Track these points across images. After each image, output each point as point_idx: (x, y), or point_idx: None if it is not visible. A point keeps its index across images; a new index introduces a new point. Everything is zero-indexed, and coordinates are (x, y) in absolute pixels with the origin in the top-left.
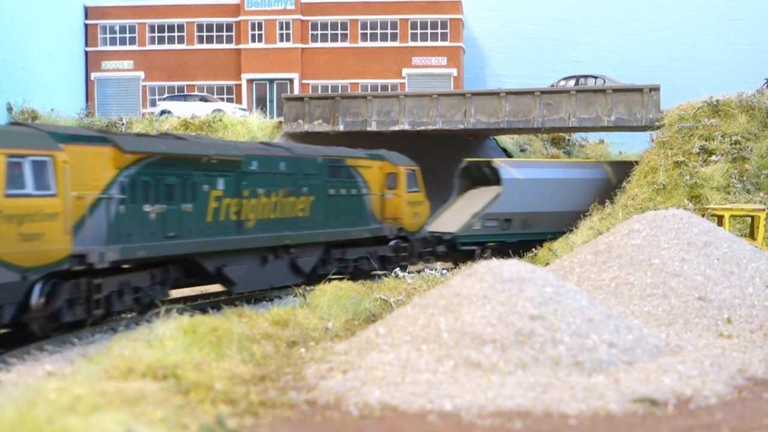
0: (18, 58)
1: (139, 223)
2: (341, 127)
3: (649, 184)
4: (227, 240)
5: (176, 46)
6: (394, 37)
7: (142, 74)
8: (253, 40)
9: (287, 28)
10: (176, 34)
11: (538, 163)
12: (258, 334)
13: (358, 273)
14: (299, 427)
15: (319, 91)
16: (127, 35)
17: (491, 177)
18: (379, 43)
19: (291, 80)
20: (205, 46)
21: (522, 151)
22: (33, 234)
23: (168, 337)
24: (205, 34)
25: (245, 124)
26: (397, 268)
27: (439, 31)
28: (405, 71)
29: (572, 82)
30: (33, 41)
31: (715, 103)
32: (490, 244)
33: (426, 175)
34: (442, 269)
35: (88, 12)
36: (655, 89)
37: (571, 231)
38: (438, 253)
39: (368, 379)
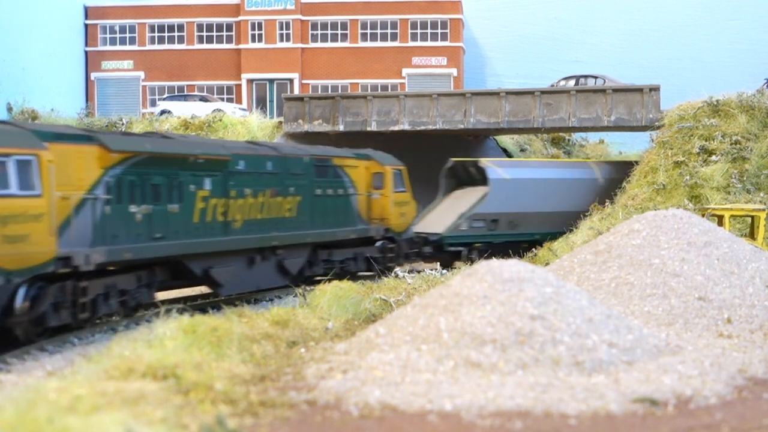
0: (18, 58)
1: (125, 224)
2: (341, 127)
3: (649, 184)
4: (214, 241)
5: (176, 46)
6: (394, 37)
7: (142, 74)
8: (253, 40)
9: (287, 28)
10: (176, 34)
11: (525, 162)
12: (258, 334)
13: (344, 274)
14: (299, 427)
15: (319, 91)
16: (127, 35)
17: (478, 177)
18: (379, 43)
19: (291, 80)
20: (205, 46)
21: (522, 151)
22: (17, 236)
23: (168, 337)
24: (205, 34)
25: (245, 124)
26: (397, 269)
27: (439, 31)
28: (405, 71)
29: (572, 82)
30: (33, 41)
31: (715, 103)
32: (477, 244)
33: (426, 175)
34: (430, 270)
35: (88, 12)
36: (655, 89)
37: (561, 231)
38: (424, 254)
39: (368, 379)
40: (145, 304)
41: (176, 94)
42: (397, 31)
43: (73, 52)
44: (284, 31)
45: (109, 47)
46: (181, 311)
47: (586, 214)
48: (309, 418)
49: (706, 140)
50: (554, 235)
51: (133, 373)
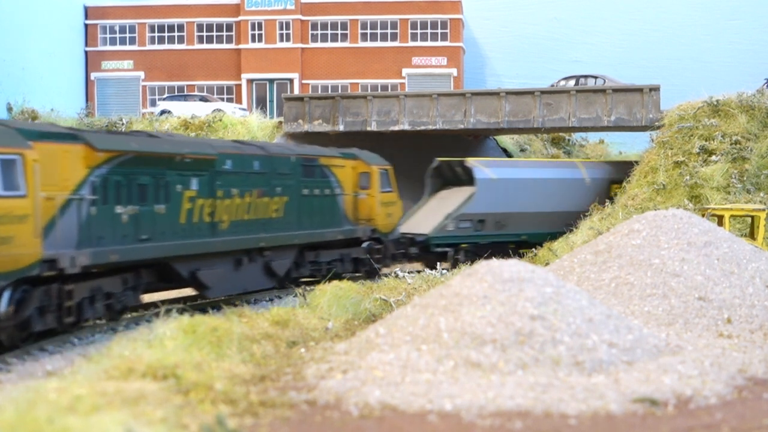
0: (18, 58)
1: (110, 226)
2: (341, 127)
3: (649, 184)
4: (201, 243)
5: (176, 46)
6: (394, 37)
7: (142, 74)
8: (253, 40)
9: (287, 28)
10: (176, 34)
11: (512, 162)
12: (258, 334)
13: (331, 276)
14: (299, 427)
15: (319, 91)
16: (127, 35)
17: (464, 177)
18: (379, 43)
19: (291, 80)
20: (205, 46)
21: (522, 151)
22: (1, 237)
23: (168, 337)
24: (205, 34)
25: (245, 124)
26: (397, 269)
27: (439, 31)
28: (405, 71)
29: (572, 82)
30: (33, 41)
31: (715, 103)
32: (463, 245)
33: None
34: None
35: (88, 12)
36: (655, 89)
37: (548, 232)
38: (410, 255)
39: (368, 379)
40: (131, 307)
41: (176, 94)
42: (397, 31)
43: (73, 52)
44: (284, 31)
45: (109, 47)
46: (181, 311)
47: (578, 214)
48: (309, 418)
49: (706, 140)
50: (541, 236)
51: (133, 373)
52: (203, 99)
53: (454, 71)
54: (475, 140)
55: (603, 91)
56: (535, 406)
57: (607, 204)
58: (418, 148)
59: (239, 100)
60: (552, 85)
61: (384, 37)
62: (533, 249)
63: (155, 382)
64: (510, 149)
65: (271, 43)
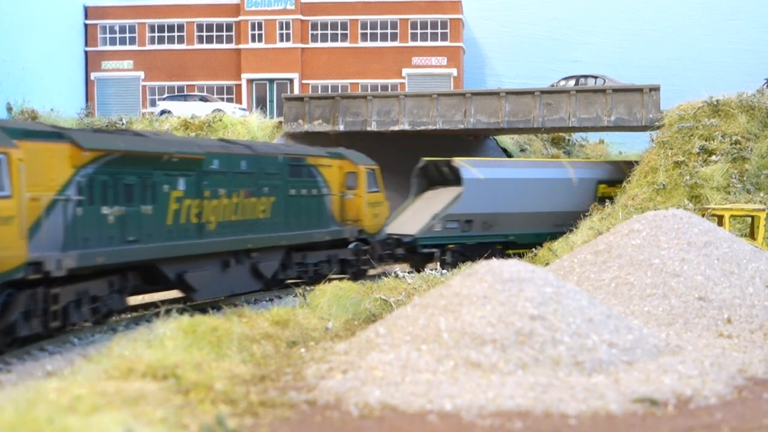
0: (18, 58)
1: (97, 227)
2: (341, 127)
3: (649, 184)
4: (188, 244)
5: (176, 46)
6: (394, 37)
7: (142, 74)
8: (253, 40)
9: (287, 28)
10: (176, 34)
11: (499, 162)
12: (258, 334)
13: (318, 278)
14: (299, 427)
15: (319, 91)
16: (127, 35)
17: (450, 177)
18: (379, 43)
19: (291, 80)
20: (205, 46)
21: (522, 151)
22: None
23: (168, 337)
24: (205, 34)
25: (245, 124)
26: (397, 269)
27: (439, 31)
28: (405, 71)
29: (572, 82)
30: (33, 41)
31: (715, 103)
32: (450, 246)
33: None
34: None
35: (88, 12)
36: (655, 89)
37: (535, 232)
38: (397, 256)
39: (368, 379)
40: (117, 311)
41: (176, 94)
42: (397, 31)
43: (73, 52)
44: (284, 31)
45: (109, 47)
46: (181, 311)
47: (565, 214)
48: (309, 418)
49: (706, 140)
50: (528, 236)
51: (133, 373)
52: (203, 99)
53: (454, 71)
54: (475, 140)
55: (603, 91)
56: (535, 406)
57: (606, 204)
58: (418, 148)
59: (239, 100)
60: (552, 85)
61: (384, 37)
62: (521, 250)
63: (155, 382)
64: (510, 149)
65: (271, 43)
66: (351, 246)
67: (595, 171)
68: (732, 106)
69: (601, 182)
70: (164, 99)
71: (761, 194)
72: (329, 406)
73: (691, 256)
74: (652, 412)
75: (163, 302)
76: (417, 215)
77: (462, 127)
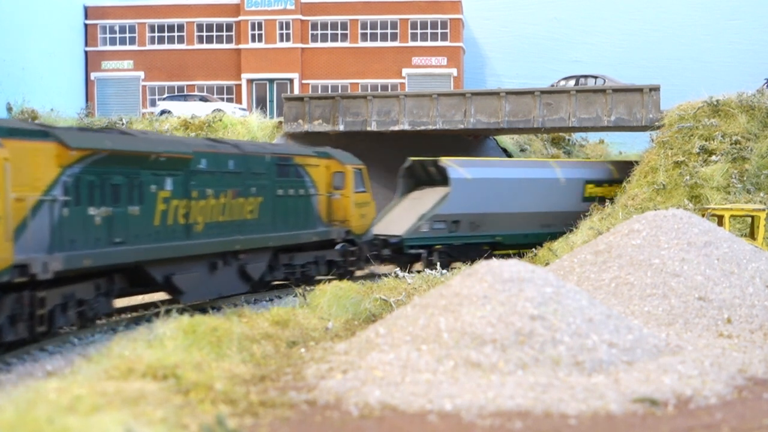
0: (18, 58)
1: (83, 228)
2: (341, 127)
3: (649, 184)
4: (176, 246)
5: (176, 46)
6: (394, 37)
7: (142, 74)
8: (253, 40)
9: (287, 28)
10: (176, 34)
11: (486, 162)
12: (258, 334)
13: (305, 279)
14: (299, 427)
15: (319, 91)
16: (127, 35)
17: (437, 177)
18: (379, 43)
19: (291, 80)
20: (205, 46)
21: (522, 151)
22: None
23: (168, 337)
24: (205, 34)
25: (245, 124)
26: (398, 270)
27: (439, 31)
28: (405, 71)
29: (572, 82)
30: (33, 41)
31: (715, 103)
32: (437, 246)
33: None
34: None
35: (88, 12)
36: (655, 89)
37: (523, 233)
38: (383, 257)
39: (368, 379)
40: (103, 314)
41: (176, 94)
42: (397, 31)
43: (73, 52)
44: (284, 31)
45: (109, 47)
46: (181, 311)
47: (553, 214)
48: (309, 418)
49: (706, 140)
50: (516, 236)
51: (133, 373)
52: (203, 99)
53: (454, 71)
54: (475, 140)
55: (603, 91)
56: (535, 406)
57: (606, 204)
58: (418, 148)
59: (239, 100)
60: (552, 85)
61: (384, 37)
62: (508, 251)
63: (155, 382)
64: (510, 149)
65: (271, 43)
66: (338, 247)
67: (582, 171)
68: (732, 106)
69: (589, 182)
70: (164, 99)
71: (761, 194)
72: (329, 406)
73: (691, 256)
74: (652, 412)
75: (163, 302)
76: (404, 216)
77: (462, 127)
